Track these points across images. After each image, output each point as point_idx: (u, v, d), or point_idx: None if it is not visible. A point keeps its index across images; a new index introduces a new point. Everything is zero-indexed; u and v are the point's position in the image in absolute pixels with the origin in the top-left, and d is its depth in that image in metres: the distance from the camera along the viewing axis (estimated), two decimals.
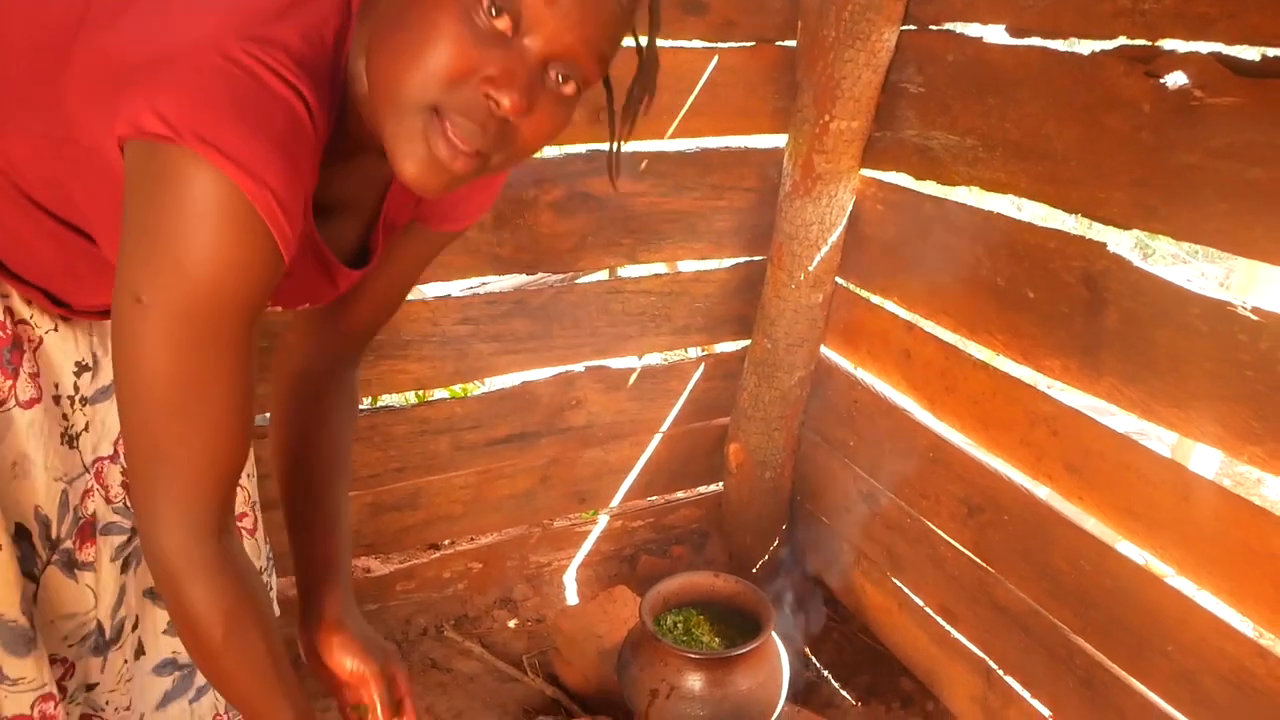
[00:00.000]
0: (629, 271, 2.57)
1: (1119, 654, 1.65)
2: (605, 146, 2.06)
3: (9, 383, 1.06)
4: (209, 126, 0.76)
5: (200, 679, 1.42)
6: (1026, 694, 1.86)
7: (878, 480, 2.21)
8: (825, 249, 2.16)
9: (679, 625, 1.97)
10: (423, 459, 2.19)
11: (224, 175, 0.77)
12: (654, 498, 2.61)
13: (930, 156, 1.90)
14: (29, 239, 1.00)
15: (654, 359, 2.61)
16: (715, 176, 2.20)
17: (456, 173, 0.85)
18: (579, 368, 2.30)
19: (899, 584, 2.20)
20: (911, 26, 1.90)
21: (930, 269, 1.95)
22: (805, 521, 2.52)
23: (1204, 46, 1.37)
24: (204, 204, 0.78)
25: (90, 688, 1.26)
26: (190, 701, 1.41)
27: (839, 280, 2.24)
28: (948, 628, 2.05)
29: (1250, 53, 1.32)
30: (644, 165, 2.12)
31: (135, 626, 1.31)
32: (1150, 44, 1.44)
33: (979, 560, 1.94)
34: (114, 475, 1.22)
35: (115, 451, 1.22)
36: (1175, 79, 1.40)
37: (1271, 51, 1.29)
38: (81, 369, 1.15)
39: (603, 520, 2.54)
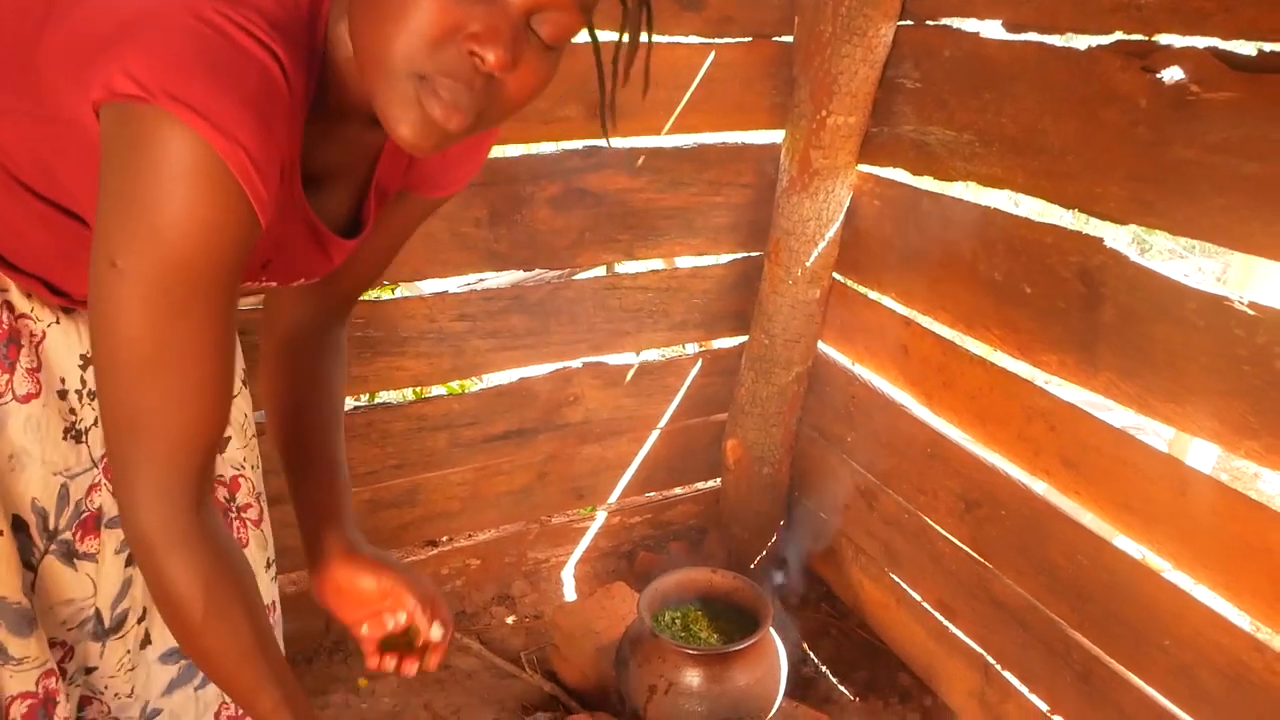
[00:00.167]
0: (626, 268, 2.57)
1: (1116, 648, 1.65)
2: (603, 143, 2.08)
3: (5, 377, 1.06)
4: (180, 85, 0.76)
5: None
6: (1024, 689, 1.87)
7: (875, 476, 2.22)
8: (822, 245, 2.16)
9: (677, 621, 1.97)
10: (420, 456, 2.19)
11: (195, 133, 0.76)
12: (652, 494, 2.61)
13: (927, 152, 1.90)
14: (22, 226, 1.00)
15: (651, 355, 2.61)
16: (712, 172, 2.20)
17: (450, 132, 0.85)
18: (576, 364, 2.29)
19: (897, 579, 2.20)
20: (908, 22, 1.90)
21: (927, 264, 1.95)
22: (803, 517, 2.52)
23: (1200, 41, 1.37)
24: (175, 163, 0.77)
25: (90, 670, 1.27)
26: (196, 689, 1.42)
27: (836, 276, 2.24)
28: (945, 623, 2.06)
29: (1247, 47, 1.32)
30: (641, 161, 2.12)
31: (142, 619, 1.31)
32: (1147, 39, 1.44)
33: (976, 555, 1.94)
34: None
35: None
36: (1172, 74, 1.40)
37: (1268, 46, 1.29)
38: (87, 362, 1.15)
39: (600, 516, 2.54)
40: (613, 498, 2.53)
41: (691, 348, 2.56)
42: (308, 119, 0.92)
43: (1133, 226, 1.52)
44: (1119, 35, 1.48)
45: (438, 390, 2.62)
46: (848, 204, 2.14)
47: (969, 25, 1.81)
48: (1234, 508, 1.42)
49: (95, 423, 1.17)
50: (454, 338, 2.10)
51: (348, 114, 0.97)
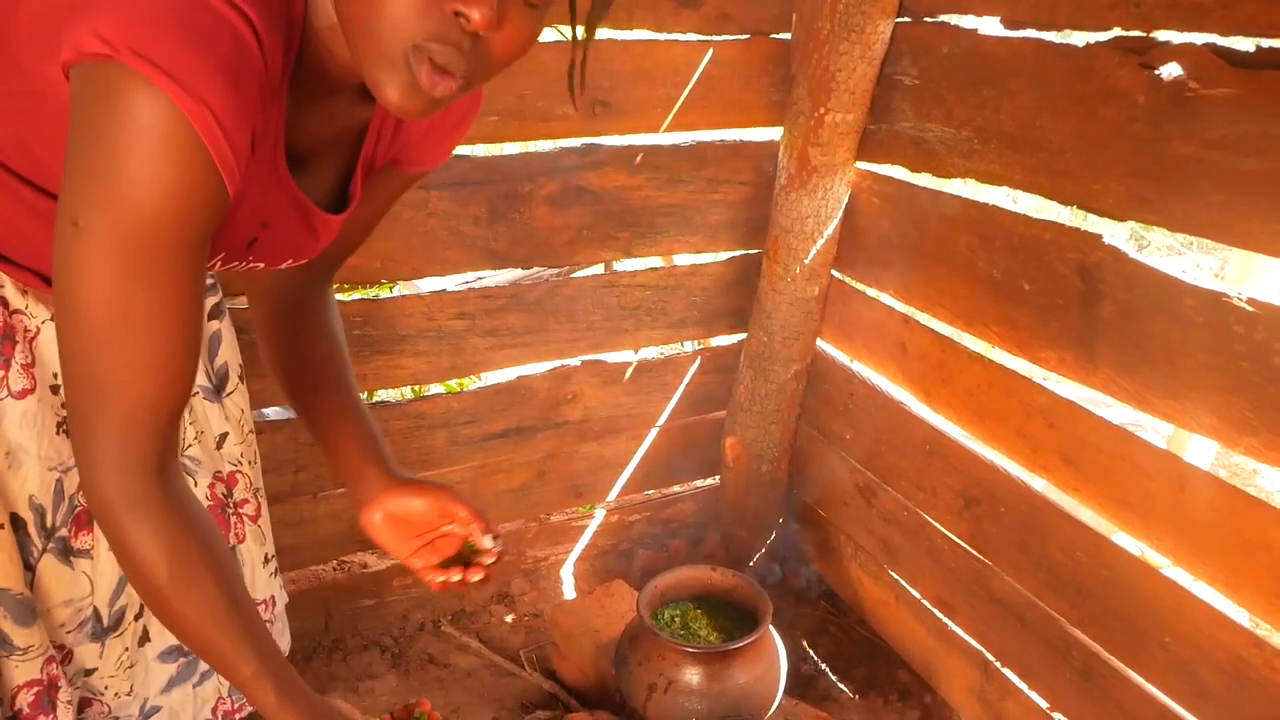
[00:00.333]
0: (625, 265, 2.57)
1: (1116, 645, 1.65)
2: (602, 141, 2.08)
3: (0, 373, 1.06)
4: (146, 42, 0.75)
5: (205, 664, 1.42)
6: (1024, 686, 1.87)
7: (874, 473, 2.21)
8: (821, 242, 2.15)
9: (676, 619, 1.97)
10: (419, 454, 2.19)
11: (160, 91, 0.75)
12: (651, 492, 2.61)
13: (925, 149, 1.90)
14: (12, 215, 1.00)
15: (650, 353, 2.61)
16: (710, 170, 2.20)
17: (438, 97, 0.85)
18: (575, 362, 2.29)
19: (896, 576, 2.20)
20: (906, 19, 1.90)
21: (926, 262, 1.95)
22: (802, 515, 2.52)
23: (1199, 37, 1.36)
24: (139, 121, 0.76)
25: (89, 673, 1.27)
26: (194, 686, 1.42)
27: (835, 273, 2.24)
28: (945, 620, 2.06)
29: (1245, 43, 1.31)
30: (639, 159, 2.12)
31: (139, 615, 1.31)
32: (1145, 35, 1.44)
33: (976, 552, 1.94)
34: None
35: None
36: (1170, 70, 1.40)
37: (1267, 42, 1.29)
38: None
39: (599, 515, 2.54)
40: (612, 496, 2.53)
41: (690, 345, 2.56)
42: (290, 92, 0.91)
43: (1131, 223, 1.52)
44: (1117, 32, 1.48)
45: (436, 389, 2.62)
46: (846, 201, 2.13)
47: (967, 22, 1.80)
48: (1233, 504, 1.42)
49: None
50: (452, 336, 2.10)
51: (332, 87, 0.96)
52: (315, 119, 0.99)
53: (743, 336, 2.42)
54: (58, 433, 1.13)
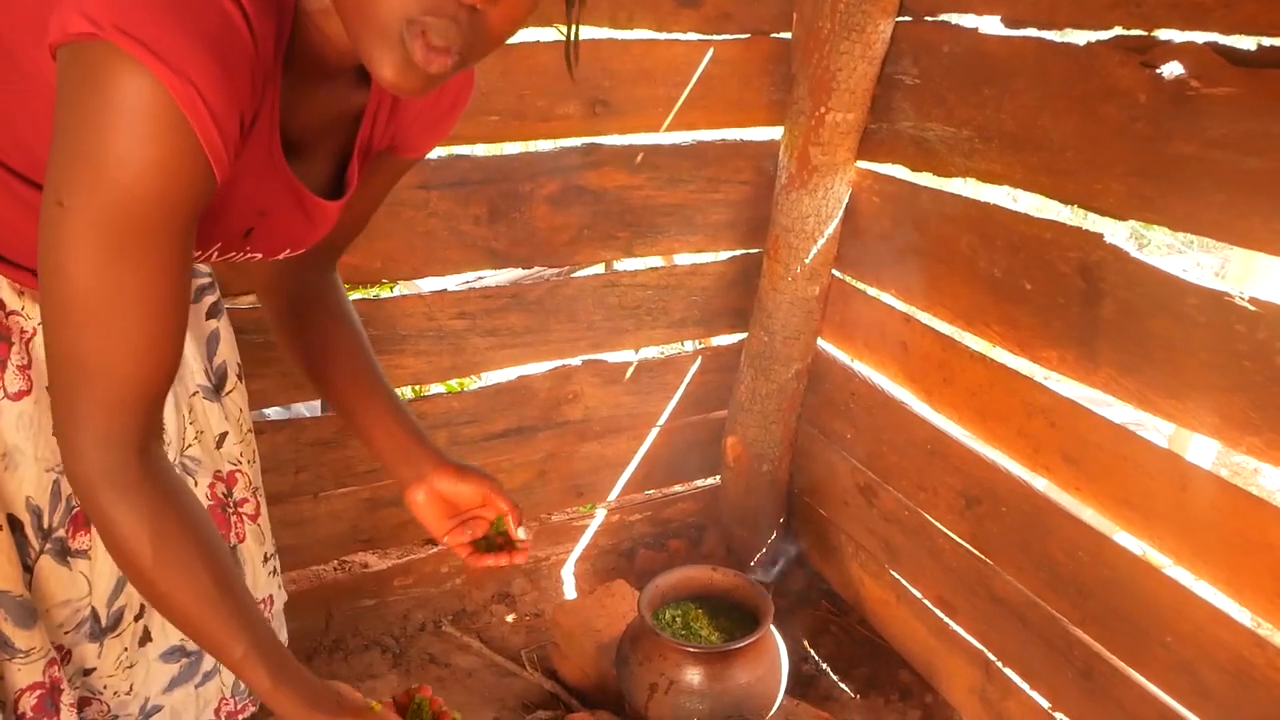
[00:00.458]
0: (625, 265, 2.57)
1: (1117, 645, 1.65)
2: (603, 140, 2.08)
3: None
4: (132, 21, 0.74)
5: (207, 664, 1.42)
6: (1025, 685, 1.87)
7: (875, 472, 2.21)
8: (821, 241, 2.15)
9: (677, 619, 1.97)
10: None
11: (145, 68, 0.74)
12: (651, 491, 2.61)
13: (926, 148, 1.90)
14: (7, 212, 0.99)
15: (651, 352, 2.61)
16: (711, 169, 2.20)
17: (433, 74, 0.84)
18: (576, 361, 2.29)
19: (897, 576, 2.20)
20: (907, 18, 1.90)
21: (927, 261, 1.95)
22: (803, 515, 2.52)
23: (1200, 36, 1.36)
24: (124, 100, 0.76)
25: (88, 672, 1.27)
26: (196, 686, 1.42)
27: (835, 273, 2.24)
28: (946, 620, 2.06)
29: (1247, 42, 1.31)
30: (640, 159, 2.12)
31: (139, 616, 1.31)
32: (1146, 34, 1.44)
33: (977, 552, 1.94)
34: None
35: None
36: (1171, 69, 1.39)
37: (1268, 41, 1.28)
38: None
39: (600, 514, 2.54)
40: (612, 495, 2.53)
41: (691, 345, 2.56)
42: (284, 78, 0.91)
43: (1131, 222, 1.52)
44: (1118, 31, 1.48)
45: (437, 388, 2.62)
46: (847, 200, 2.13)
47: (968, 21, 1.80)
48: (1235, 503, 1.41)
49: None
50: (453, 336, 2.10)
51: (327, 71, 0.96)
52: (310, 105, 0.99)
53: (743, 336, 2.42)
54: (54, 433, 1.13)
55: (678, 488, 2.65)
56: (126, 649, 1.30)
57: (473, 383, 2.77)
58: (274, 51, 0.86)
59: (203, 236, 0.99)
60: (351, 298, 1.36)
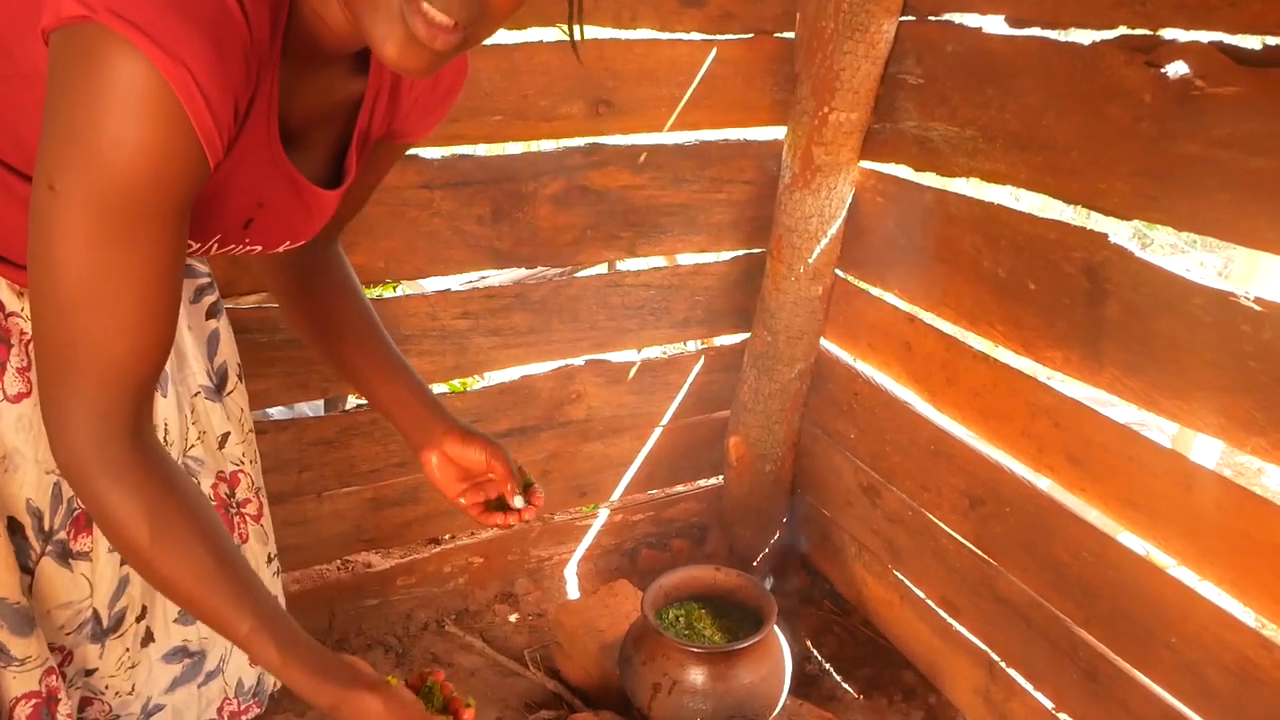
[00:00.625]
0: (628, 265, 2.57)
1: (1122, 646, 1.65)
2: (606, 140, 2.08)
3: None
4: (125, 3, 0.74)
5: (210, 664, 1.42)
6: (1029, 686, 1.86)
7: (878, 473, 2.21)
8: (825, 241, 2.15)
9: (681, 619, 1.96)
10: None
11: (138, 50, 0.74)
12: (654, 491, 2.61)
13: (930, 148, 1.89)
14: (5, 210, 0.99)
15: (654, 352, 2.61)
16: (714, 169, 2.20)
17: (438, 50, 0.84)
18: (579, 361, 2.29)
19: (900, 577, 2.20)
20: (910, 17, 1.89)
21: (930, 261, 1.94)
22: (806, 515, 2.51)
23: (1205, 36, 1.36)
24: (115, 82, 0.75)
25: (89, 673, 1.27)
26: (199, 686, 1.42)
27: (839, 273, 2.24)
28: (950, 620, 2.05)
29: (1252, 42, 1.31)
30: (643, 159, 2.12)
31: (141, 617, 1.31)
32: (1151, 33, 1.44)
33: (981, 552, 1.93)
34: None
35: None
36: (1176, 69, 1.39)
37: (1273, 40, 1.28)
38: None
39: (603, 514, 2.54)
40: (615, 495, 2.53)
41: (694, 345, 2.56)
42: (281, 65, 0.90)
43: (1135, 221, 1.52)
44: (1123, 30, 1.47)
45: (440, 388, 2.62)
46: (850, 200, 2.13)
47: (971, 20, 1.80)
48: (1240, 504, 1.41)
49: None
50: (456, 336, 2.10)
51: (324, 59, 0.95)
52: (308, 93, 0.98)
53: (746, 336, 2.41)
54: (42, 417, 1.13)
55: (680, 488, 2.65)
56: (128, 650, 1.30)
57: (476, 382, 2.76)
58: (269, 37, 0.86)
59: (202, 228, 0.98)
60: None
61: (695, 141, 2.18)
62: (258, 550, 1.46)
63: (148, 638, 1.34)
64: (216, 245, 1.04)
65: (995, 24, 1.73)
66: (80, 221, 0.80)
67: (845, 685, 2.23)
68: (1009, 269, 1.75)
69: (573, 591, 2.50)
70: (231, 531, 1.41)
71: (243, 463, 1.43)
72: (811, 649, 2.33)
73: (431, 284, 2.83)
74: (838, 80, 1.94)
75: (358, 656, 2.17)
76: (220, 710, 1.46)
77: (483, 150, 2.26)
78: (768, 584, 1.97)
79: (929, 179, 1.95)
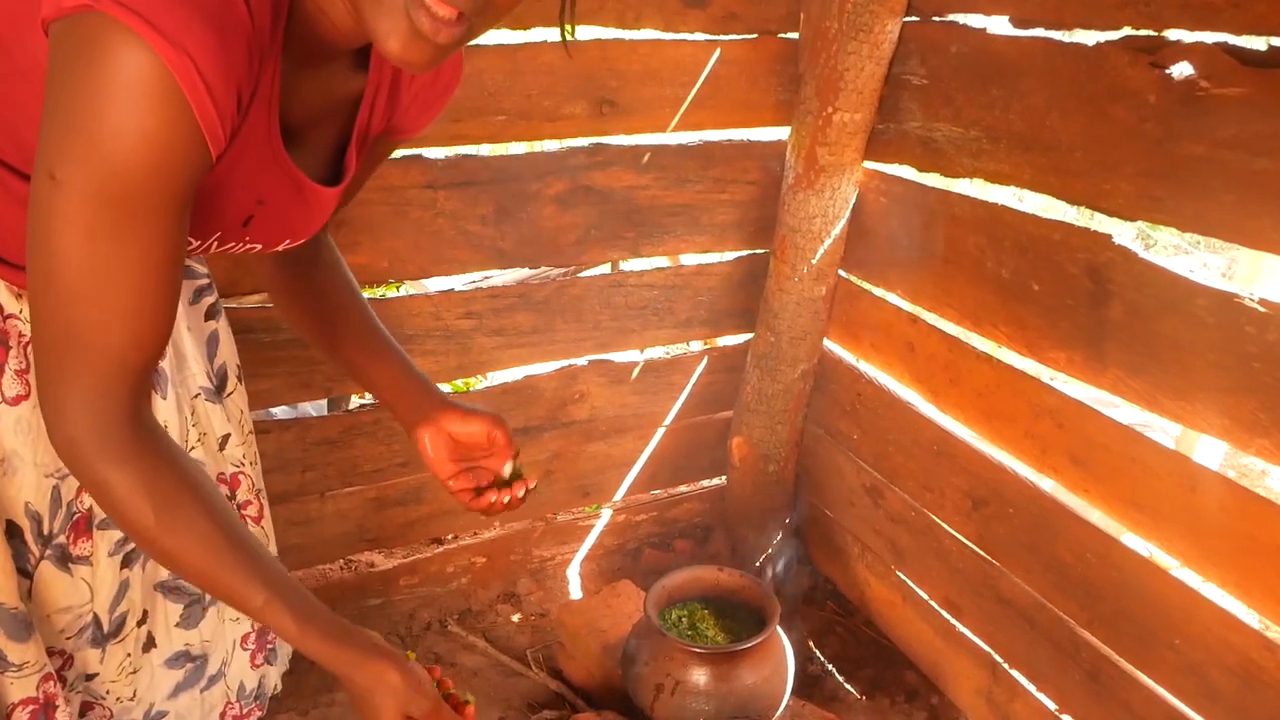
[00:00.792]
0: (631, 265, 2.57)
1: (1125, 647, 1.64)
2: (609, 140, 2.08)
3: None
4: None
5: (212, 668, 1.42)
6: (1032, 687, 1.86)
7: (881, 473, 2.21)
8: (828, 242, 2.15)
9: (683, 620, 1.96)
10: None
11: (141, 40, 0.73)
12: (657, 491, 2.61)
13: (934, 149, 1.89)
14: (6, 213, 0.99)
15: (657, 352, 2.61)
16: (718, 170, 2.20)
17: (442, 44, 0.83)
18: (582, 361, 2.29)
19: (903, 577, 2.20)
20: (914, 18, 1.89)
21: (934, 261, 1.94)
22: (809, 515, 2.51)
23: (1210, 36, 1.36)
24: (119, 71, 0.74)
25: (90, 677, 1.26)
26: (201, 691, 1.42)
27: (842, 273, 2.24)
28: (952, 621, 2.05)
29: (1257, 42, 1.31)
30: (647, 159, 2.12)
31: (142, 621, 1.31)
32: (1155, 34, 1.43)
33: (984, 553, 1.93)
34: None
35: None
36: (1181, 69, 1.39)
37: (1278, 41, 1.28)
38: None
39: (606, 514, 2.54)
40: (618, 495, 2.53)
41: (697, 345, 2.56)
42: (283, 62, 0.90)
43: (1138, 222, 1.51)
44: (1127, 31, 1.47)
45: (444, 388, 2.61)
46: (854, 201, 2.13)
47: (976, 21, 1.80)
48: (1243, 505, 1.41)
49: None
50: (460, 336, 2.10)
51: (325, 54, 0.95)
52: (308, 89, 0.98)
53: (750, 336, 2.41)
54: (39, 403, 1.12)
55: (683, 488, 2.65)
56: (130, 654, 1.29)
57: (479, 382, 2.76)
58: (270, 30, 0.85)
59: (202, 226, 0.98)
60: None
61: (699, 142, 2.18)
62: None
63: (149, 643, 1.33)
64: (216, 243, 1.04)
65: (999, 24, 1.73)
66: (81, 211, 0.80)
67: (848, 686, 2.23)
68: (1012, 270, 1.75)
69: (575, 591, 2.50)
70: None
71: (243, 464, 1.42)
72: (814, 649, 2.33)
73: (435, 284, 2.83)
74: (842, 80, 1.94)
75: None
76: (223, 715, 1.46)
77: (486, 150, 2.27)
78: (770, 584, 1.97)
79: (933, 179, 1.95)
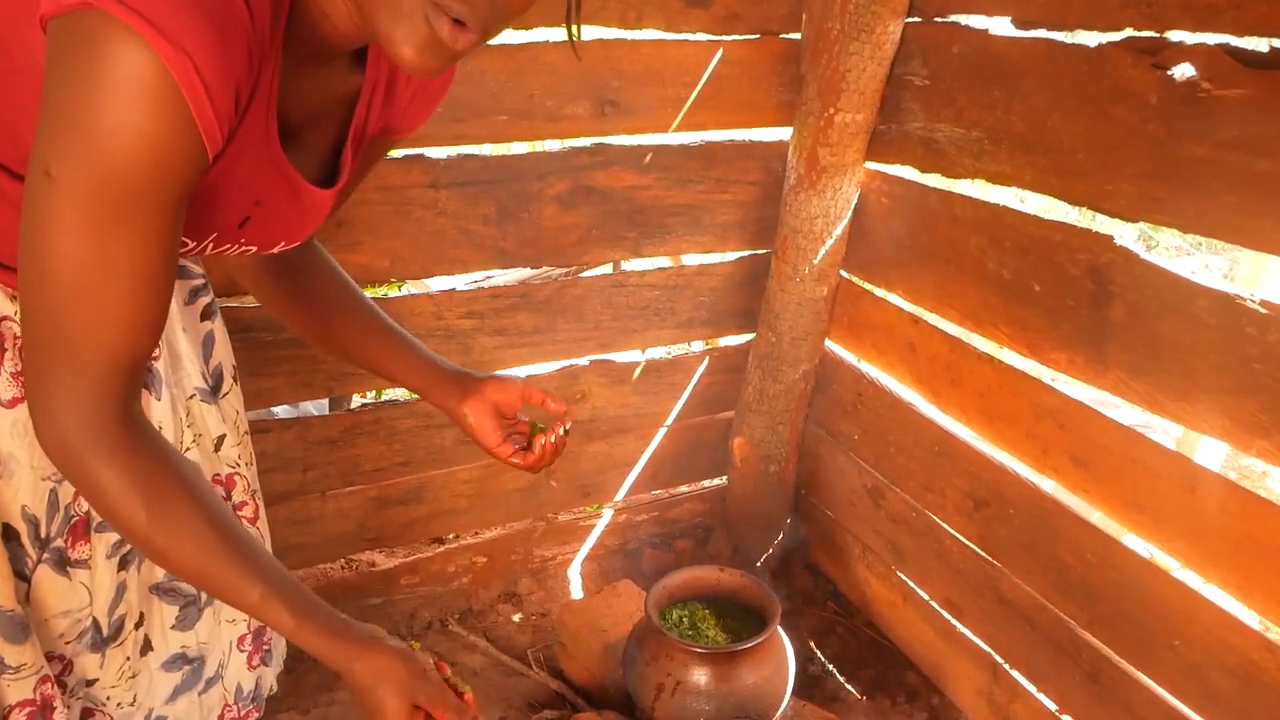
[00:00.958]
0: (633, 265, 2.57)
1: (1126, 648, 1.64)
2: (611, 141, 2.08)
3: None
4: None
5: (209, 670, 1.42)
6: (1033, 688, 1.86)
7: (882, 474, 2.21)
8: (830, 242, 2.15)
9: (684, 620, 1.96)
10: (427, 453, 2.19)
11: (139, 37, 0.73)
12: (658, 492, 2.61)
13: (935, 149, 1.89)
14: (2, 214, 0.98)
15: (658, 353, 2.61)
16: (720, 170, 2.20)
17: (458, 51, 0.84)
18: (583, 361, 2.29)
19: (904, 578, 2.20)
20: (916, 19, 1.89)
21: (935, 262, 1.94)
22: (810, 515, 2.51)
23: (1212, 38, 1.36)
24: (117, 69, 0.74)
25: (90, 683, 1.26)
26: (199, 694, 1.41)
27: (844, 273, 2.24)
28: (953, 622, 2.05)
29: (1259, 44, 1.31)
30: (648, 159, 2.12)
31: (140, 624, 1.30)
32: (1157, 35, 1.44)
33: (984, 554, 1.93)
34: None
35: None
36: (1183, 70, 1.39)
37: (1279, 43, 1.28)
38: None
39: (607, 514, 2.54)
40: (619, 495, 2.53)
41: (698, 345, 2.56)
42: (282, 61, 0.90)
43: (1140, 223, 1.51)
44: (1129, 32, 1.47)
45: None
46: (855, 201, 2.13)
47: (977, 22, 1.80)
48: (1244, 506, 1.41)
49: None
50: (461, 335, 2.10)
51: (325, 54, 0.95)
52: (305, 89, 0.97)
53: (751, 337, 2.41)
54: (28, 401, 1.12)
55: (684, 488, 2.65)
56: (129, 658, 1.28)
57: None
58: (271, 30, 0.85)
59: (198, 226, 0.97)
60: None
61: (701, 142, 2.18)
62: None
63: (146, 646, 1.32)
64: (212, 245, 1.03)
65: (1001, 25, 1.73)
66: (75, 209, 0.79)
67: (848, 686, 2.23)
68: (1014, 270, 1.75)
69: (576, 591, 2.50)
70: None
71: (238, 465, 1.41)
72: (815, 650, 2.33)
73: (436, 284, 2.83)
74: (843, 81, 1.94)
75: None
76: (221, 718, 1.46)
77: (488, 150, 2.26)
78: (771, 584, 1.97)
79: (934, 180, 1.95)
